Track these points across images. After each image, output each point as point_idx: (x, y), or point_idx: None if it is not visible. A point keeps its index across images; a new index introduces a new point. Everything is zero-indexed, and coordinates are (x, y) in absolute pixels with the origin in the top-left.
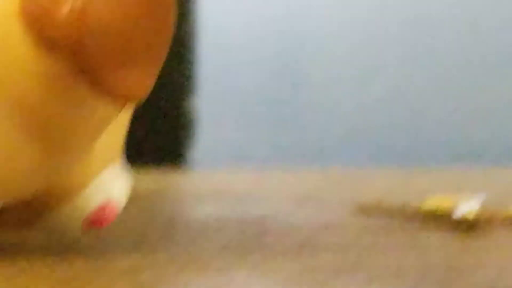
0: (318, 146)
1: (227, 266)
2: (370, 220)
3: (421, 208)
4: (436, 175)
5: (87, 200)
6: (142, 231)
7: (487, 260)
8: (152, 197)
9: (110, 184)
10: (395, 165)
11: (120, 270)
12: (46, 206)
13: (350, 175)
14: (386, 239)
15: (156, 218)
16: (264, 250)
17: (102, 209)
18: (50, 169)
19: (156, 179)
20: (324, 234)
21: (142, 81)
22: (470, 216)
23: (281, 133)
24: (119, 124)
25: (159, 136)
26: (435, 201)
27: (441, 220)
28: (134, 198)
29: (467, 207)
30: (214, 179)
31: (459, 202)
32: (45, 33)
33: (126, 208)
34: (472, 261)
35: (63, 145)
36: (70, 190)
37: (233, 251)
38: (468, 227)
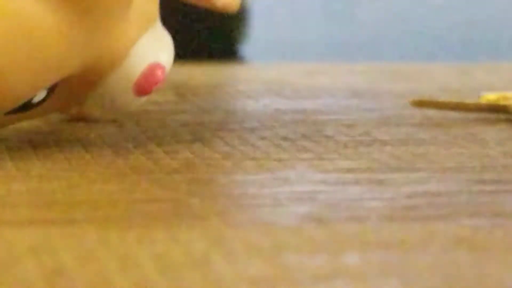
0: (372, 41)
1: (286, 157)
2: (427, 113)
3: (479, 102)
4: (494, 71)
5: (133, 64)
6: (199, 125)
7: None
8: (208, 91)
9: (153, 46)
10: (451, 60)
11: (177, 165)
12: (96, 76)
13: (406, 69)
14: (444, 133)
15: (212, 112)
16: (323, 143)
17: (149, 71)
18: (85, 35)
19: (211, 73)
20: (381, 128)
21: None
22: None
23: (335, 27)
24: None
25: (213, 31)
26: (493, 96)
27: (501, 112)
28: (189, 93)
29: None
30: (268, 73)
31: None
32: None
33: (181, 102)
34: None
35: (98, 8)
36: (115, 56)
37: (292, 143)
38: None
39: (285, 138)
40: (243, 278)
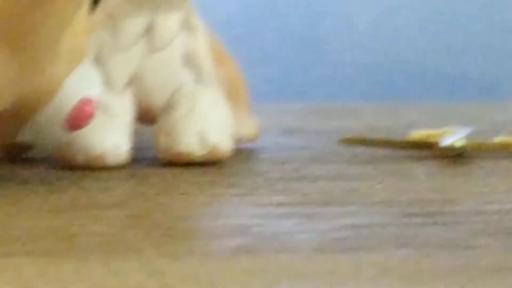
0: (303, 81)
1: (220, 192)
2: (356, 151)
3: (407, 139)
4: (422, 109)
5: (64, 99)
6: (134, 162)
7: (475, 188)
8: (142, 130)
9: (83, 82)
10: (380, 100)
11: (113, 200)
12: (28, 111)
13: (335, 108)
14: (373, 169)
15: (145, 149)
16: (255, 179)
17: (80, 106)
18: (17, 72)
19: None
20: (312, 165)
21: None
22: (458, 144)
23: (266, 68)
24: (81, 25)
25: None
26: (420, 134)
27: (428, 149)
28: None
29: (454, 137)
30: None
31: (445, 134)
32: None
33: None
34: (460, 189)
35: (29, 46)
36: (47, 92)
37: (226, 179)
38: (455, 156)
39: (218, 174)
40: None
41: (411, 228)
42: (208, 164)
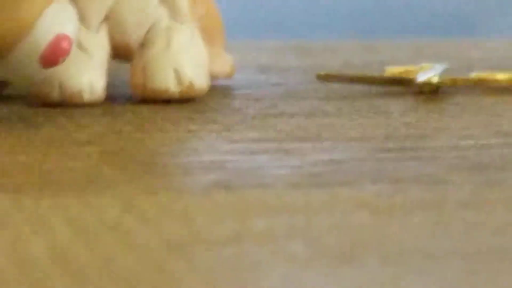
0: (279, 18)
1: (195, 128)
2: (332, 87)
3: (384, 75)
4: (398, 46)
5: (40, 35)
6: (108, 99)
7: (450, 123)
8: (117, 66)
9: (59, 18)
10: (356, 37)
11: (88, 137)
12: (3, 47)
13: (311, 46)
14: (349, 105)
15: (121, 86)
16: (231, 116)
17: (56, 43)
18: None
19: None
20: (288, 101)
21: None
22: (434, 80)
23: (243, 5)
24: None
25: None
26: (396, 70)
27: (404, 85)
28: None
29: (429, 73)
30: None
31: (421, 70)
32: None
33: None
34: (435, 124)
35: None
36: (22, 28)
37: (201, 115)
38: (431, 91)
39: (194, 111)
40: (155, 241)
41: (386, 163)
42: (184, 100)
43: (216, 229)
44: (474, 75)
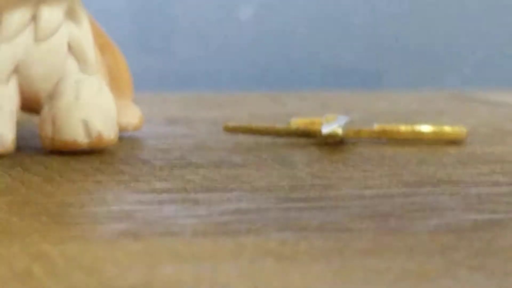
0: (187, 71)
1: (104, 179)
2: (239, 138)
3: (289, 126)
4: (303, 98)
5: None
6: (18, 150)
7: (354, 173)
8: (25, 119)
9: None
10: (262, 88)
11: None
12: None
13: (219, 97)
14: (255, 156)
15: (30, 138)
16: (139, 167)
17: None
18: None
19: None
20: (195, 153)
21: None
22: (338, 131)
23: (151, 58)
24: None
25: None
26: (303, 121)
27: (309, 136)
28: None
29: (334, 124)
30: None
31: (326, 121)
32: None
33: None
34: (339, 175)
35: None
36: None
37: (110, 166)
38: (335, 142)
39: (103, 162)
40: None
41: (291, 212)
42: (92, 151)
43: (125, 277)
44: (377, 126)
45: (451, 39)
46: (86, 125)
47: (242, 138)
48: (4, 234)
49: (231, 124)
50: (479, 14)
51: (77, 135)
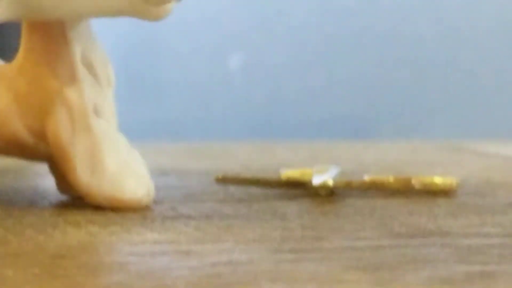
0: (177, 120)
1: (96, 231)
2: (230, 190)
3: (280, 178)
4: (295, 148)
5: None
6: (9, 202)
7: (345, 224)
8: (17, 170)
9: None
10: (253, 139)
11: None
12: None
13: (210, 148)
14: (247, 208)
15: (23, 190)
16: (131, 218)
17: None
18: None
19: None
20: (187, 205)
21: None
22: (329, 183)
23: (141, 108)
24: None
25: None
26: (292, 173)
27: (300, 188)
28: None
29: (325, 176)
30: None
31: (317, 172)
32: None
33: None
34: (331, 226)
35: None
36: None
37: (102, 217)
38: (326, 193)
39: (95, 213)
40: None
41: (283, 264)
42: (84, 203)
43: None
44: (367, 178)
45: (441, 90)
46: (143, 182)
47: (233, 189)
48: None
49: (223, 175)
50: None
51: (133, 193)
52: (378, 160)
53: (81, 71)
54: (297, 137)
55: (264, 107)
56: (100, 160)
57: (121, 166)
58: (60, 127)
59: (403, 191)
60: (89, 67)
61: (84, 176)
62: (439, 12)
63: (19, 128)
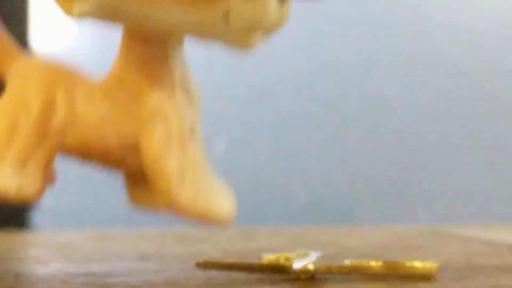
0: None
1: None
2: (211, 274)
3: (261, 262)
4: (275, 233)
5: None
6: None
7: None
8: None
9: None
10: (234, 224)
11: None
12: None
13: (191, 234)
14: None
15: (2, 276)
16: None
17: None
18: None
19: (0, 240)
20: None
21: None
22: (309, 267)
23: (122, 195)
24: None
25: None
26: (273, 257)
27: (281, 272)
28: None
29: (305, 260)
30: (58, 238)
31: (298, 257)
32: None
33: None
34: None
35: None
36: None
37: None
38: (307, 278)
39: None
40: None
41: None
42: None
43: None
44: (348, 262)
45: (423, 176)
46: (231, 201)
47: (214, 274)
48: None
49: (203, 260)
50: (449, 151)
51: (223, 209)
52: (360, 244)
53: (180, 91)
54: (278, 222)
55: (246, 192)
56: (194, 176)
57: (211, 184)
58: (158, 143)
59: (384, 275)
60: (186, 88)
61: (178, 190)
62: (423, 95)
63: (110, 135)
